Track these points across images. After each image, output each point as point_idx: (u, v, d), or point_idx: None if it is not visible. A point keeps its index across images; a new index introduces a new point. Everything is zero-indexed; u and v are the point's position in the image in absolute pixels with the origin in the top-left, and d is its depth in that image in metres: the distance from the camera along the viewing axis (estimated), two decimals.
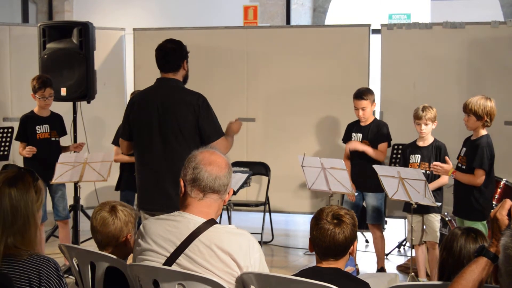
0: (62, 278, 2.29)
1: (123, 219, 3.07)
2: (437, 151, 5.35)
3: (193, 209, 2.69)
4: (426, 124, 5.32)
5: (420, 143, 5.44)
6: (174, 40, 4.39)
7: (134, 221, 3.14)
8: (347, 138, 6.00)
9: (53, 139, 5.92)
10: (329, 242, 2.73)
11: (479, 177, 4.86)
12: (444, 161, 5.13)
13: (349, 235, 2.74)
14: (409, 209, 5.25)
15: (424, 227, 5.40)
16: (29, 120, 5.84)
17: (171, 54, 4.30)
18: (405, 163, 5.50)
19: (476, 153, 4.87)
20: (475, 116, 4.87)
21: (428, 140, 5.42)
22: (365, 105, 5.74)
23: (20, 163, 5.98)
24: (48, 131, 5.88)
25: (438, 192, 5.36)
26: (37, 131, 5.83)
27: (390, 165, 6.25)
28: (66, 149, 6.09)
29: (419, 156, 5.42)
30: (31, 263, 2.26)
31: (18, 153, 5.93)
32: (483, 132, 4.94)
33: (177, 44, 4.35)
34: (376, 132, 5.80)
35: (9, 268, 2.24)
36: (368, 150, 5.72)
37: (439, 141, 5.42)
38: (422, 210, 5.28)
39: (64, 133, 6.09)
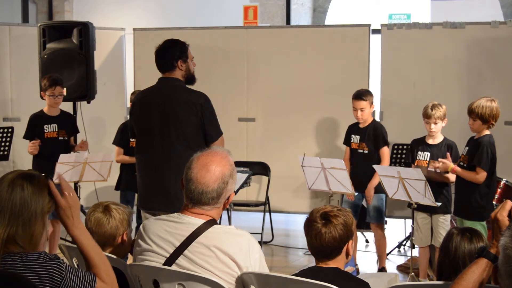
0: (58, 263, 2.27)
1: (117, 217, 3.07)
2: (448, 149, 5.32)
3: (190, 213, 2.68)
4: (435, 123, 5.29)
5: (430, 141, 5.41)
6: (170, 39, 4.37)
7: (129, 219, 3.14)
8: (347, 140, 6.01)
9: (60, 138, 5.93)
10: (316, 243, 2.72)
11: (480, 174, 4.87)
12: (455, 159, 5.15)
13: (338, 235, 2.70)
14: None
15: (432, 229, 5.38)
16: (37, 119, 5.87)
17: (163, 54, 4.29)
18: (412, 159, 5.48)
19: (477, 152, 4.88)
20: (481, 120, 4.87)
21: (438, 138, 5.39)
22: (364, 106, 5.73)
23: (24, 162, 5.99)
24: (56, 130, 5.90)
25: (446, 189, 5.34)
26: (45, 130, 5.85)
27: (390, 165, 6.24)
28: (72, 149, 6.09)
29: (429, 154, 5.37)
30: (24, 262, 2.25)
31: (27, 152, 5.93)
32: (486, 132, 4.95)
33: (169, 44, 4.32)
34: (374, 136, 5.78)
35: (5, 266, 2.24)
36: (375, 181, 5.66)
37: (449, 139, 5.41)
38: (431, 209, 5.22)
39: (75, 131, 6.10)
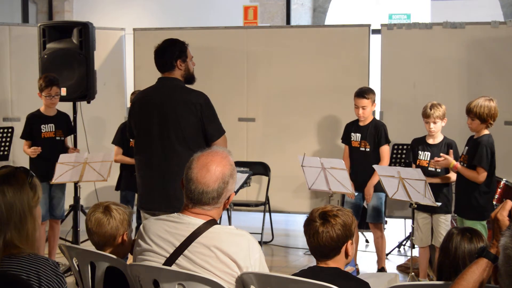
0: (61, 277, 2.29)
1: (118, 218, 3.07)
2: (448, 148, 5.32)
3: (190, 213, 2.68)
4: (435, 123, 5.30)
5: (430, 141, 5.41)
6: (169, 39, 4.36)
7: (129, 220, 3.14)
8: (346, 138, 6.01)
9: (57, 138, 5.93)
10: (314, 242, 2.72)
11: (481, 174, 4.88)
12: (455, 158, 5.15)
13: (336, 235, 2.70)
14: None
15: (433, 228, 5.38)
16: (35, 119, 5.87)
17: (162, 54, 4.29)
18: (413, 158, 5.48)
19: (477, 151, 4.89)
20: (480, 120, 4.88)
21: (438, 137, 5.40)
22: (366, 104, 5.74)
23: (23, 162, 5.98)
24: (53, 130, 5.90)
25: (447, 189, 5.34)
26: (42, 130, 5.85)
27: (390, 165, 6.25)
28: (68, 150, 6.09)
29: (429, 153, 5.36)
30: (29, 262, 2.25)
31: (22, 150, 5.93)
32: (485, 131, 4.95)
33: (168, 44, 4.31)
34: (375, 134, 5.79)
35: (7, 266, 2.24)
36: (375, 180, 5.65)
37: (448, 138, 5.41)
38: (432, 208, 5.22)
39: (70, 132, 6.11)
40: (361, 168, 5.79)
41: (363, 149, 5.83)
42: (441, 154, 5.16)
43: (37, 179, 2.41)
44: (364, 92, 5.75)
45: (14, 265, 2.23)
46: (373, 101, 5.81)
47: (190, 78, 4.35)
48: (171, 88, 4.27)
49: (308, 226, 2.76)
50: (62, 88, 6.17)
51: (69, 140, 6.17)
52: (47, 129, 5.88)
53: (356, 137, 5.89)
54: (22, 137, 5.95)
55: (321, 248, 2.72)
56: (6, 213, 2.26)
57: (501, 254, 1.94)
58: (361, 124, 5.86)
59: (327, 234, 2.70)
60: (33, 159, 5.82)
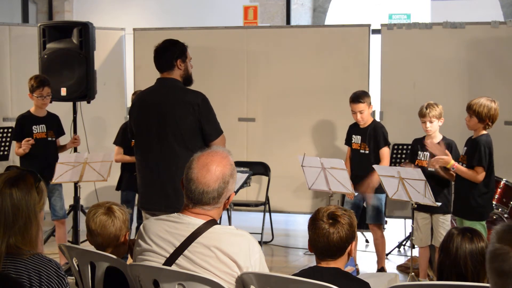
0: (63, 278, 2.29)
1: (121, 218, 3.08)
2: (448, 148, 5.31)
3: (190, 213, 2.69)
4: (431, 122, 5.29)
5: (429, 141, 5.41)
6: (169, 39, 4.37)
7: (129, 219, 3.14)
8: (348, 140, 6.00)
9: (49, 139, 5.91)
10: (323, 242, 2.72)
11: (480, 173, 4.87)
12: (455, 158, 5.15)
13: (345, 235, 2.72)
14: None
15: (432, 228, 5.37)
16: (25, 120, 5.84)
17: (162, 53, 4.29)
18: (412, 157, 5.48)
19: (475, 151, 4.89)
20: (478, 118, 4.88)
21: (437, 137, 5.38)
22: (362, 108, 5.73)
23: (17, 163, 5.98)
24: (45, 131, 5.88)
25: (447, 189, 5.33)
26: (34, 131, 5.82)
27: (390, 165, 6.24)
28: (64, 148, 6.09)
29: (428, 154, 5.34)
30: (33, 263, 2.26)
31: (14, 152, 5.92)
32: (483, 131, 4.95)
33: (169, 43, 4.32)
34: (374, 136, 5.77)
35: (10, 266, 2.24)
36: (376, 180, 5.60)
37: (448, 138, 5.40)
38: (431, 208, 5.21)
39: (61, 133, 6.09)
40: (361, 170, 5.78)
41: (363, 151, 5.83)
42: (438, 156, 5.12)
43: (44, 184, 2.41)
44: (358, 97, 5.73)
45: (17, 265, 2.24)
46: (369, 104, 5.78)
47: (188, 79, 4.36)
48: (169, 88, 4.27)
49: (315, 226, 2.75)
50: (62, 88, 6.17)
51: (61, 141, 6.14)
52: (39, 129, 5.85)
53: (356, 139, 5.89)
54: (14, 138, 5.93)
55: (330, 248, 2.73)
56: (13, 216, 2.26)
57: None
58: (361, 126, 5.85)
59: (337, 235, 2.71)
60: (25, 161, 5.77)
